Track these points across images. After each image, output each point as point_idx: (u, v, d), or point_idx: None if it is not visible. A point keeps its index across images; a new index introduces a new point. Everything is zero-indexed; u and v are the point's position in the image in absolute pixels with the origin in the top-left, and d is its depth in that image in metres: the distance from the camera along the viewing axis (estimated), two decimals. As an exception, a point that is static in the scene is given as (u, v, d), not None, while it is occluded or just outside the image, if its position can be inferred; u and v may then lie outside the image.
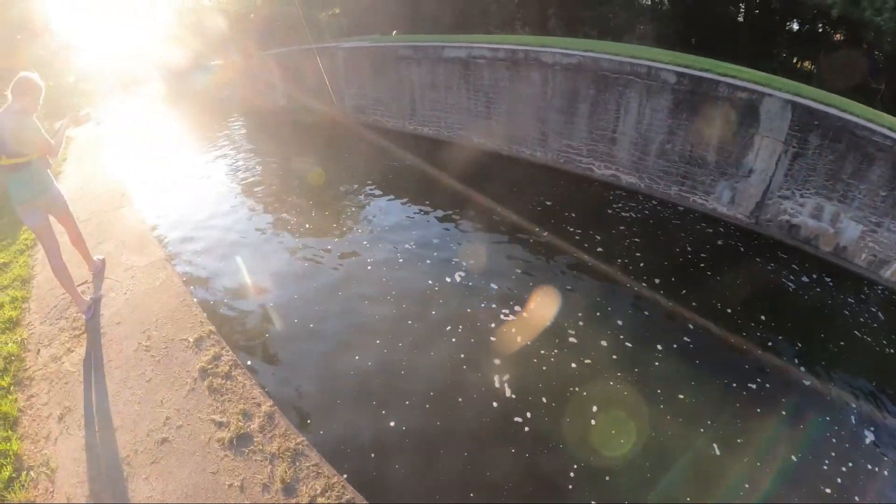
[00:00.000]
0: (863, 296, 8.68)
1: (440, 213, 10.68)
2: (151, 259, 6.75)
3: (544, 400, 6.01)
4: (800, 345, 7.35)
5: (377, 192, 11.99)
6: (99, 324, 5.52)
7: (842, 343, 7.54)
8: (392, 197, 11.57)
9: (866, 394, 6.65)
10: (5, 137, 4.57)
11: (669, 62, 10.11)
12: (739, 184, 9.70)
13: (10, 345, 5.10)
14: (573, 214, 10.49)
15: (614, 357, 6.76)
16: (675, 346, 7.07)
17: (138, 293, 6.00)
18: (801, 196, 9.06)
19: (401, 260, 8.81)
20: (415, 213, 10.81)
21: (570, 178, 12.17)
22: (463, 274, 8.37)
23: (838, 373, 6.91)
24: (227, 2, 19.97)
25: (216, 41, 19.59)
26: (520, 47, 12.07)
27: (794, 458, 5.58)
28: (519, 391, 6.11)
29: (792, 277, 8.95)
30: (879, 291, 8.75)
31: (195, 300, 5.95)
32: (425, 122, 14.90)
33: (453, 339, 6.91)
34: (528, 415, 5.78)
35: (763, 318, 7.77)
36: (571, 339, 7.02)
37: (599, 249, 9.32)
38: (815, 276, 9.03)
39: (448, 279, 8.28)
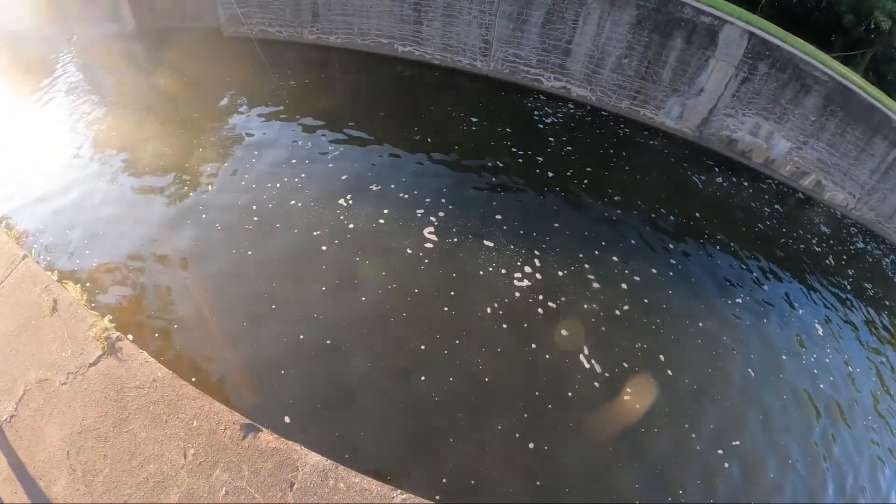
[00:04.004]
0: (766, 196, 10.82)
1: (353, 136, 10.15)
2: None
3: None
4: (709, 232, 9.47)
5: (265, 114, 10.61)
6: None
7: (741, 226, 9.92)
8: (286, 122, 10.46)
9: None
10: None
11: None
12: (690, 101, 10.68)
13: None
14: (508, 129, 10.79)
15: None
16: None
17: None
18: (744, 115, 10.40)
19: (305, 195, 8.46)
20: (316, 139, 9.98)
21: (515, 90, 12.01)
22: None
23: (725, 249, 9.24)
24: None
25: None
26: (461, -61, 10.95)
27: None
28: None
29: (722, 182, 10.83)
30: (799, 196, 10.98)
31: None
32: (333, 30, 12.78)
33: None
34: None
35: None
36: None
37: (539, 159, 10.13)
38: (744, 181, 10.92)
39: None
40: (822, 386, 7.37)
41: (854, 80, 9.95)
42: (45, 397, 3.51)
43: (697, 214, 9.59)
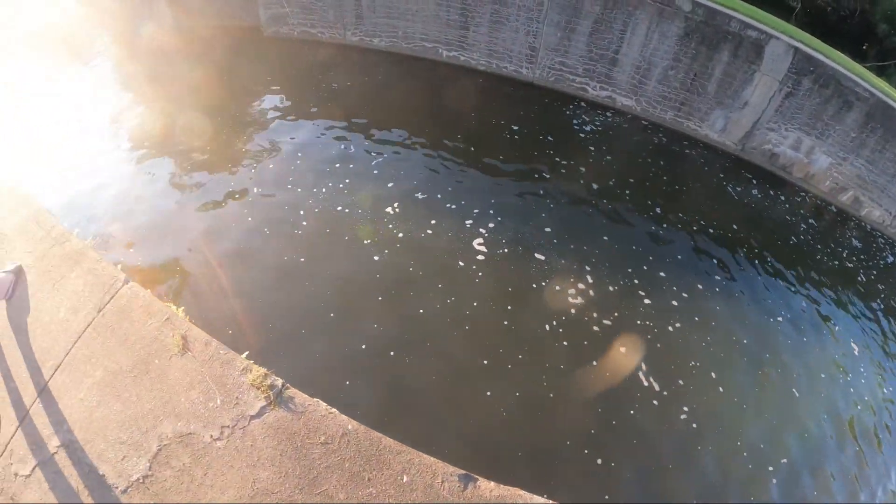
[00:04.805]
0: (802, 210, 11.12)
1: (396, 142, 10.35)
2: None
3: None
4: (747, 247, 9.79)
5: (307, 117, 10.77)
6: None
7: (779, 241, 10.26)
8: (330, 126, 10.57)
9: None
10: None
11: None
12: (734, 114, 10.92)
13: None
14: (550, 138, 11.05)
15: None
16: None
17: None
18: (786, 130, 10.64)
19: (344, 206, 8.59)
20: (359, 143, 10.18)
21: (555, 97, 12.22)
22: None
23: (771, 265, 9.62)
24: None
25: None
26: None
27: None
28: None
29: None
30: (832, 209, 11.29)
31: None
32: (376, 33, 12.88)
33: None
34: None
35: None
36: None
37: (582, 169, 10.38)
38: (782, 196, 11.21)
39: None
40: (858, 407, 7.74)
41: (895, 96, 10.21)
42: (194, 455, 3.20)
43: (735, 227, 9.88)
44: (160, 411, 3.36)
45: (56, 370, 3.66)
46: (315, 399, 3.38)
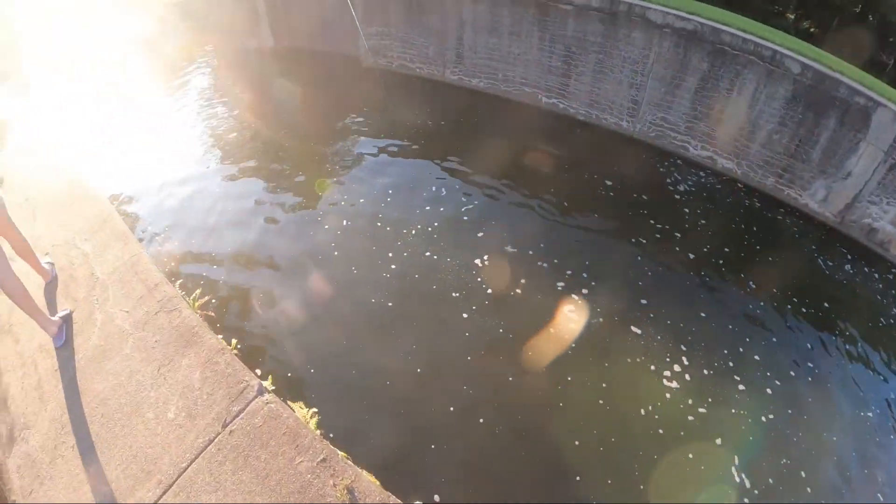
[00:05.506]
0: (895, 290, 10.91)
1: (488, 188, 10.52)
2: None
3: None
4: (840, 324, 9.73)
5: (400, 152, 11.12)
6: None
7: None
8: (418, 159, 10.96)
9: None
10: None
11: (791, 48, 10.28)
12: (836, 184, 10.83)
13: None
14: (644, 197, 11.06)
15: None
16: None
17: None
18: (887, 204, 10.43)
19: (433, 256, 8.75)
20: (451, 186, 10.39)
21: (650, 153, 12.26)
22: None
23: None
24: None
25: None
26: (622, -1, 11.09)
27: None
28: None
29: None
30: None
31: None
32: (476, 73, 13.12)
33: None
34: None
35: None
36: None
37: (678, 235, 10.41)
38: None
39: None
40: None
41: None
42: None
43: (826, 305, 9.86)
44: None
45: (166, 491, 2.94)
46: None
